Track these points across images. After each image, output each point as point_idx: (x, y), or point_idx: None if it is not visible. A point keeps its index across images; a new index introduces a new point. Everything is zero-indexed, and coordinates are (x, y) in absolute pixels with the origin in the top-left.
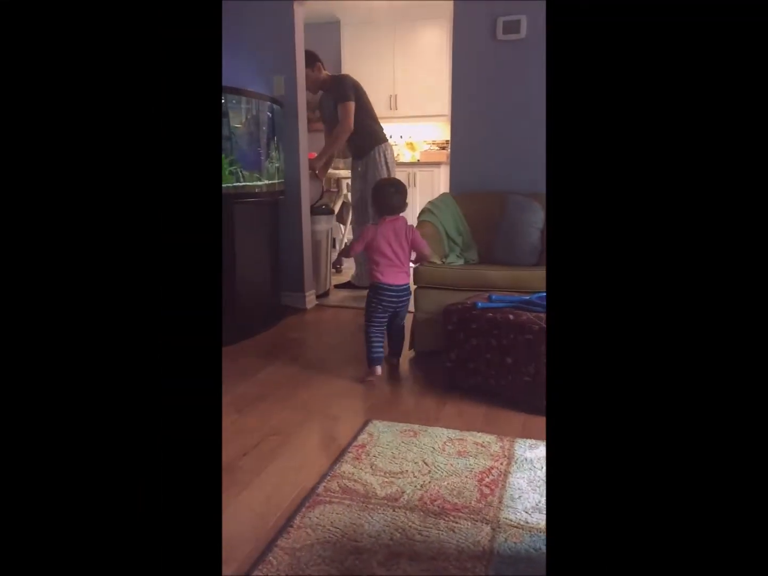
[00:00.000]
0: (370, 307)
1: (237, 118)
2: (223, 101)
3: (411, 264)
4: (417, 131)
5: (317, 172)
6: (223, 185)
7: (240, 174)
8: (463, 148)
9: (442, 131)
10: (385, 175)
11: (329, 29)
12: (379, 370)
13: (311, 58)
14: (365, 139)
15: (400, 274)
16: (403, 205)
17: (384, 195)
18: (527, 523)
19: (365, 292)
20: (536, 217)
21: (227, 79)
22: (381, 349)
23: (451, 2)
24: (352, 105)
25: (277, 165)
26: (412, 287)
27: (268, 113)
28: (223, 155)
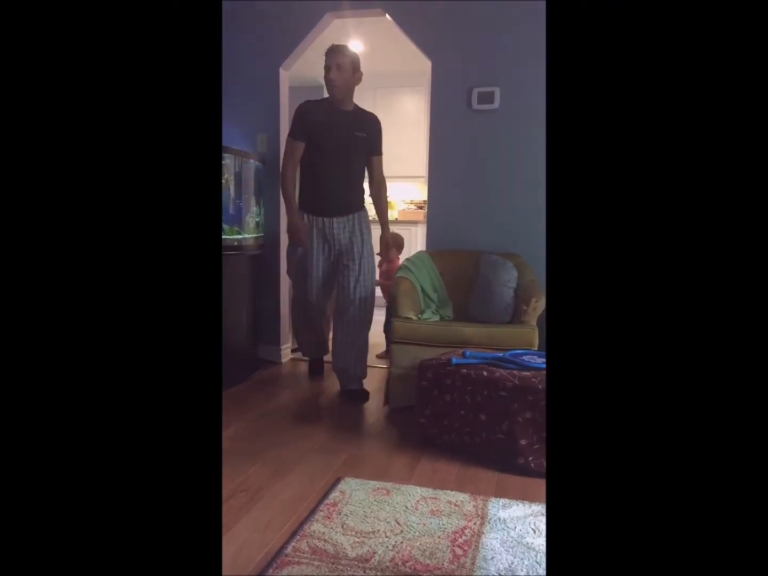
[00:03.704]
0: None
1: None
2: None
3: None
4: (395, 191)
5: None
6: None
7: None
8: (439, 208)
9: (420, 191)
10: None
11: (313, 93)
12: None
13: (345, 54)
14: (357, 197)
15: None
16: None
17: None
18: None
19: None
20: (509, 276)
21: None
22: None
23: (429, 72)
24: None
25: (257, 219)
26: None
27: (251, 170)
28: None
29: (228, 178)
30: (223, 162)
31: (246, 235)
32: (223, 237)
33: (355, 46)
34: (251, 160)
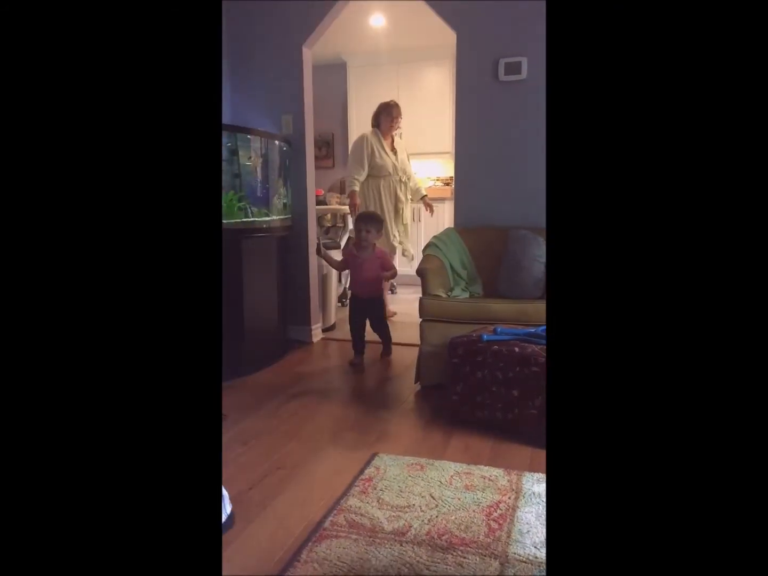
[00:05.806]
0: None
1: (246, 156)
2: (233, 140)
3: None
4: (422, 168)
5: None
6: (232, 221)
7: (249, 210)
8: (466, 184)
9: (446, 168)
10: None
11: (336, 71)
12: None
13: None
14: None
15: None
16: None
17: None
18: (536, 557)
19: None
20: (539, 251)
21: (238, 119)
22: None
23: (454, 45)
24: None
25: (285, 201)
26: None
27: (277, 151)
28: (232, 192)
29: (255, 160)
30: (250, 145)
31: (274, 217)
32: (251, 219)
33: (378, 20)
34: (276, 142)
